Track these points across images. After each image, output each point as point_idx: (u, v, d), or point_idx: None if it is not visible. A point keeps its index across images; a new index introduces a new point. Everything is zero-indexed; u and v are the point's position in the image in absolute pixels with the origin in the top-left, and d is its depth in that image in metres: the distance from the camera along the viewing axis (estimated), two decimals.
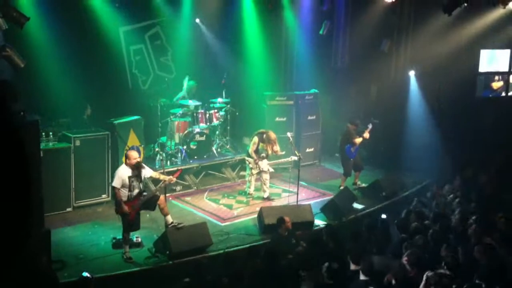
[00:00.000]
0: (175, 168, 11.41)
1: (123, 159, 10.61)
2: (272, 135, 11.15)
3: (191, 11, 13.81)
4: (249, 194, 11.55)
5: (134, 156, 8.63)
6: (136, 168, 8.58)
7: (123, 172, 8.51)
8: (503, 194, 10.68)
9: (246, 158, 11.51)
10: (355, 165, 12.29)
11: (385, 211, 10.28)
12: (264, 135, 11.15)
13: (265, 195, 11.43)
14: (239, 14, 14.50)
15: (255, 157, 11.19)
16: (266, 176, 11.36)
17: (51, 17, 10.89)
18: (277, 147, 11.19)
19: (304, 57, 15.19)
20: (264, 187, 11.45)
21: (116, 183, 8.45)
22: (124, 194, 8.48)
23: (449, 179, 11.63)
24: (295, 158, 11.07)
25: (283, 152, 11.63)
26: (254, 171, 11.30)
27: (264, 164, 11.27)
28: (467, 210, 9.51)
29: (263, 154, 11.21)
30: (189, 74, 13.28)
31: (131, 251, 8.61)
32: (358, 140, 12.03)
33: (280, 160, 11.55)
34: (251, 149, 11.24)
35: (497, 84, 14.73)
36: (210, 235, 9.02)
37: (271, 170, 11.47)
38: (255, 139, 11.20)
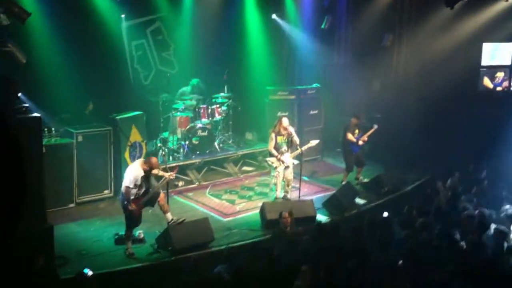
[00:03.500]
0: (176, 164, 11.44)
1: (125, 154, 10.73)
2: (285, 121, 10.71)
3: (193, 6, 13.78)
4: (276, 198, 10.86)
5: (156, 166, 8.74)
6: (150, 170, 8.66)
7: (138, 173, 8.55)
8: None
9: (267, 159, 11.01)
10: (357, 160, 12.28)
11: (386, 207, 10.28)
12: (277, 126, 10.73)
13: (288, 196, 10.91)
14: (241, 8, 14.46)
15: (276, 154, 10.65)
16: (290, 176, 10.83)
17: (53, 13, 10.87)
18: (294, 134, 10.69)
19: (306, 51, 15.16)
20: (286, 188, 10.91)
21: (130, 183, 8.46)
22: (133, 192, 8.51)
23: (450, 174, 11.60)
24: (315, 142, 10.95)
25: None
26: (280, 169, 10.67)
27: (287, 158, 10.72)
28: (469, 205, 9.50)
29: (284, 148, 10.71)
30: (190, 69, 13.32)
31: (133, 247, 8.63)
32: (350, 136, 12.00)
33: (301, 149, 10.69)
34: (270, 146, 10.73)
35: (488, 82, 14.66)
36: (212, 230, 9.04)
37: (296, 162, 10.93)
38: (272, 135, 10.74)
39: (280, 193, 10.85)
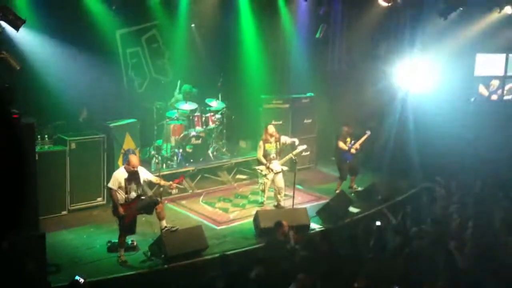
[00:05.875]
0: (169, 172, 11.42)
1: (119, 162, 10.69)
2: (271, 127, 10.94)
3: (188, 14, 13.76)
4: (261, 203, 11.09)
5: (135, 163, 8.66)
6: (134, 172, 8.58)
7: (120, 175, 8.53)
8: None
9: (257, 167, 11.18)
10: (351, 169, 12.28)
11: (381, 215, 10.27)
12: (264, 134, 10.93)
13: (281, 204, 11.03)
14: (236, 17, 14.47)
15: (265, 162, 10.84)
16: (281, 184, 10.95)
17: (48, 20, 10.82)
18: (284, 137, 11.01)
19: (301, 60, 15.15)
20: (279, 196, 11.03)
21: (112, 184, 8.47)
22: (121, 196, 8.49)
23: (445, 183, 11.61)
24: (303, 147, 11.06)
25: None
26: (269, 176, 10.83)
27: (276, 165, 10.88)
28: (464, 214, 9.51)
29: (273, 155, 10.87)
30: (185, 77, 13.28)
31: (126, 254, 8.58)
32: (342, 145, 12.02)
33: (292, 154, 10.89)
34: (259, 155, 10.95)
35: (483, 90, 14.74)
36: (206, 238, 9.00)
37: (285, 168, 11.05)
38: (260, 143, 10.96)
39: (266, 199, 11.03)
